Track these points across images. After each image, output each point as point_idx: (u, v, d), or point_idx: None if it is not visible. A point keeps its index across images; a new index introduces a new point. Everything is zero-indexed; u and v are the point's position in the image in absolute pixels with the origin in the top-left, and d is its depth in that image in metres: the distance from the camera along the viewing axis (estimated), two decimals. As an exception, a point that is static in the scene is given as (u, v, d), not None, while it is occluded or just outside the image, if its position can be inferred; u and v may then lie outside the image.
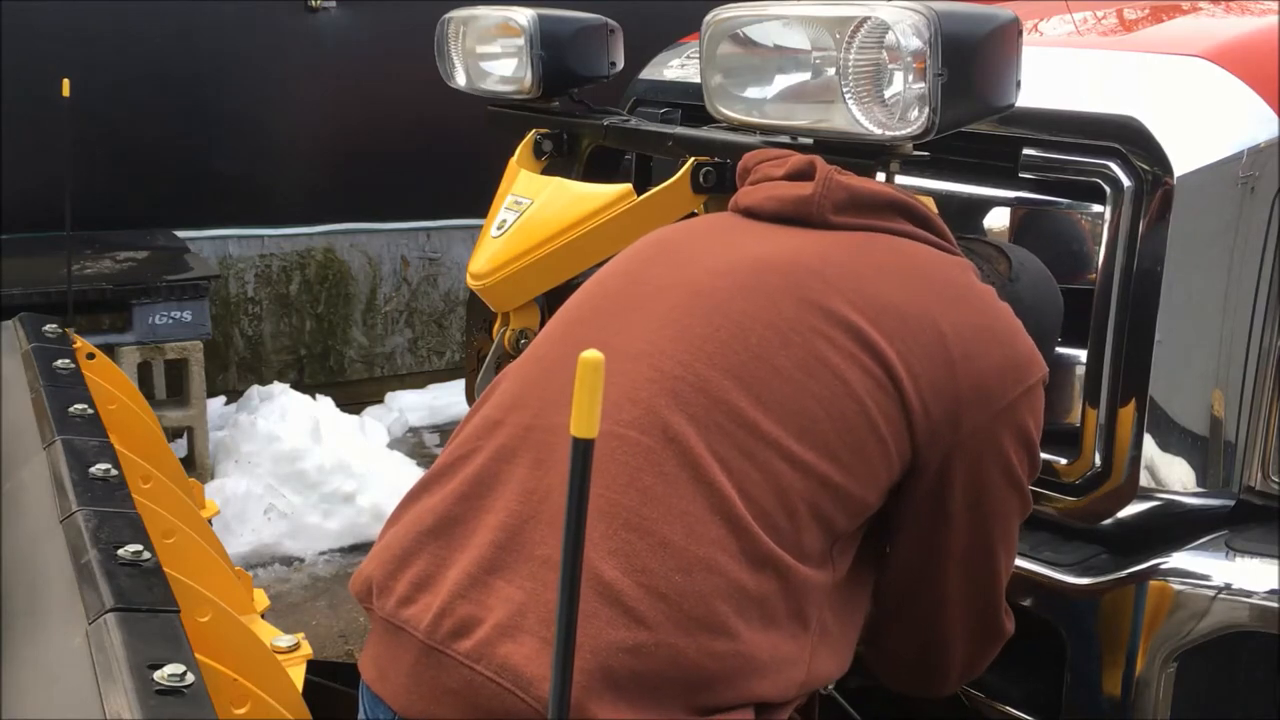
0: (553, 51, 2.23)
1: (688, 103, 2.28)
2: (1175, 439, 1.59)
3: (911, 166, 1.69)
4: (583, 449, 0.61)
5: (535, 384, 1.30)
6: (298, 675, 1.49)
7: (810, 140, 1.67)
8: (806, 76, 1.61)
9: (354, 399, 4.78)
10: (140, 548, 1.23)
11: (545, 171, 2.22)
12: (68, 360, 1.88)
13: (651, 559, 1.12)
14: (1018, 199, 1.78)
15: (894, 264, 1.35)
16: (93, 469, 1.46)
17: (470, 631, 1.14)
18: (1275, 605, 1.48)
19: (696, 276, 1.34)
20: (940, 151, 1.62)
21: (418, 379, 5.14)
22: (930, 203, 1.48)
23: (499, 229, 2.05)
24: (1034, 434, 1.35)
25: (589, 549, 1.09)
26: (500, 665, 1.11)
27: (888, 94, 1.49)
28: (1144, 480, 1.60)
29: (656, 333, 1.28)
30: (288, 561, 3.68)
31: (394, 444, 4.43)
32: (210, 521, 1.90)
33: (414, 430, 4.78)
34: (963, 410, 1.27)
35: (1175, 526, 1.60)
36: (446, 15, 2.45)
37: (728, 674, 1.12)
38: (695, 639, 1.11)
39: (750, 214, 1.47)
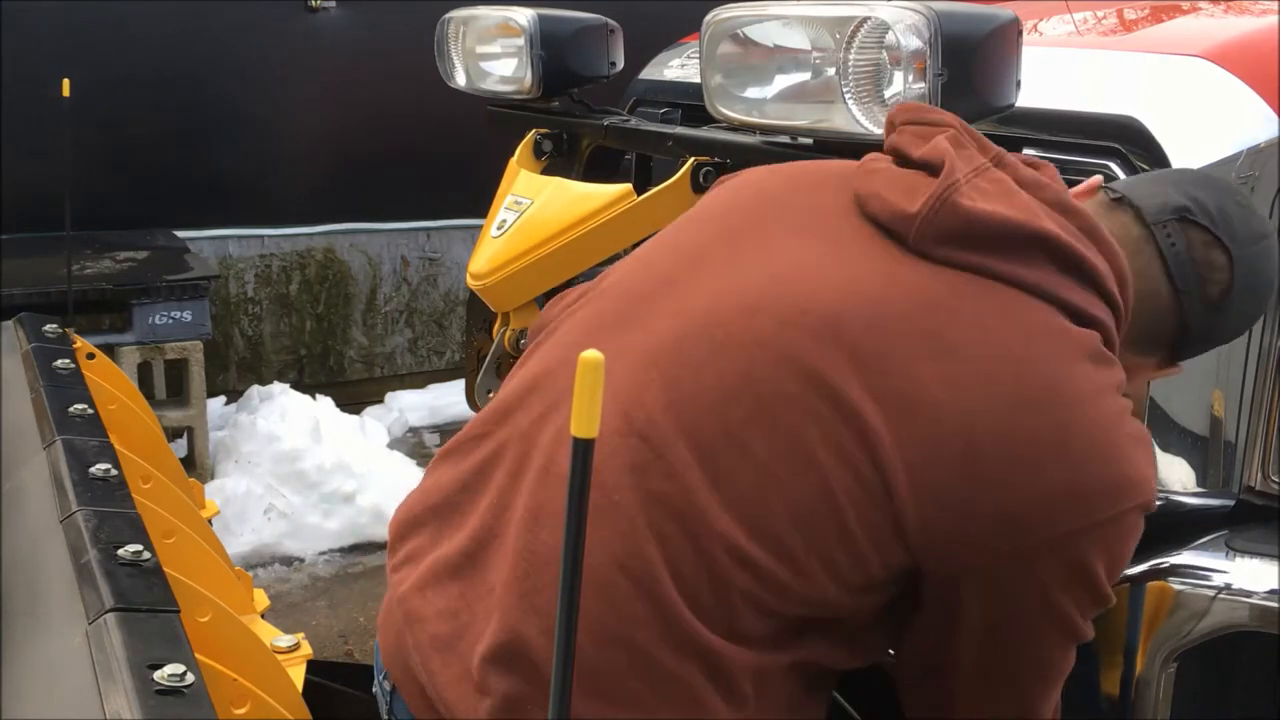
0: (553, 51, 2.23)
1: (688, 103, 2.28)
2: (1175, 439, 1.59)
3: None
4: (583, 449, 0.61)
5: (543, 381, 1.22)
6: (298, 675, 1.49)
7: (810, 140, 1.67)
8: (806, 76, 1.61)
9: (354, 399, 4.78)
10: (140, 548, 1.23)
11: (545, 171, 2.22)
12: (68, 360, 1.88)
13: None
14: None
15: (966, 341, 1.09)
16: (93, 469, 1.46)
17: (417, 624, 1.16)
18: (1275, 605, 1.48)
19: (721, 302, 1.15)
20: (940, 151, 1.62)
21: (418, 379, 5.14)
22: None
23: (499, 229, 2.05)
24: (1098, 571, 1.10)
25: (511, 604, 1.08)
26: (430, 677, 1.13)
27: (888, 94, 1.49)
28: (1144, 480, 1.60)
29: (644, 369, 1.13)
30: (288, 561, 3.68)
31: (394, 444, 4.43)
32: (210, 521, 1.90)
33: (414, 430, 4.78)
34: (982, 536, 1.07)
35: (1175, 526, 1.60)
36: (446, 15, 2.46)
37: None
38: (602, 710, 1.07)
39: (859, 195, 1.21)
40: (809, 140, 1.66)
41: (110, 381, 1.93)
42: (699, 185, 1.84)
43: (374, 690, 1.27)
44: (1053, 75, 1.72)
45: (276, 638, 1.59)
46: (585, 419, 0.60)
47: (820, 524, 1.07)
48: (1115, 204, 1.27)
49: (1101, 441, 1.09)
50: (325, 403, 4.22)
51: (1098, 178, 1.34)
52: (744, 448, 1.07)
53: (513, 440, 1.20)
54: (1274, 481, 1.59)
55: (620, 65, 2.34)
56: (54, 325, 2.04)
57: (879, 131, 1.50)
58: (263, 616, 1.74)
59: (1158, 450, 1.59)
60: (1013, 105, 1.51)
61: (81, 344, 2.00)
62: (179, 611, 1.13)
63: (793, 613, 1.10)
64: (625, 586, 1.06)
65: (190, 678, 0.98)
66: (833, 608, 1.11)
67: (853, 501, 1.06)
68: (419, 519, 1.24)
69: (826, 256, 1.16)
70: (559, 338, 1.27)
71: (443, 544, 1.20)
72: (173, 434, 3.89)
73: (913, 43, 1.43)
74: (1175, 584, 1.54)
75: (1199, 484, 1.60)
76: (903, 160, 1.22)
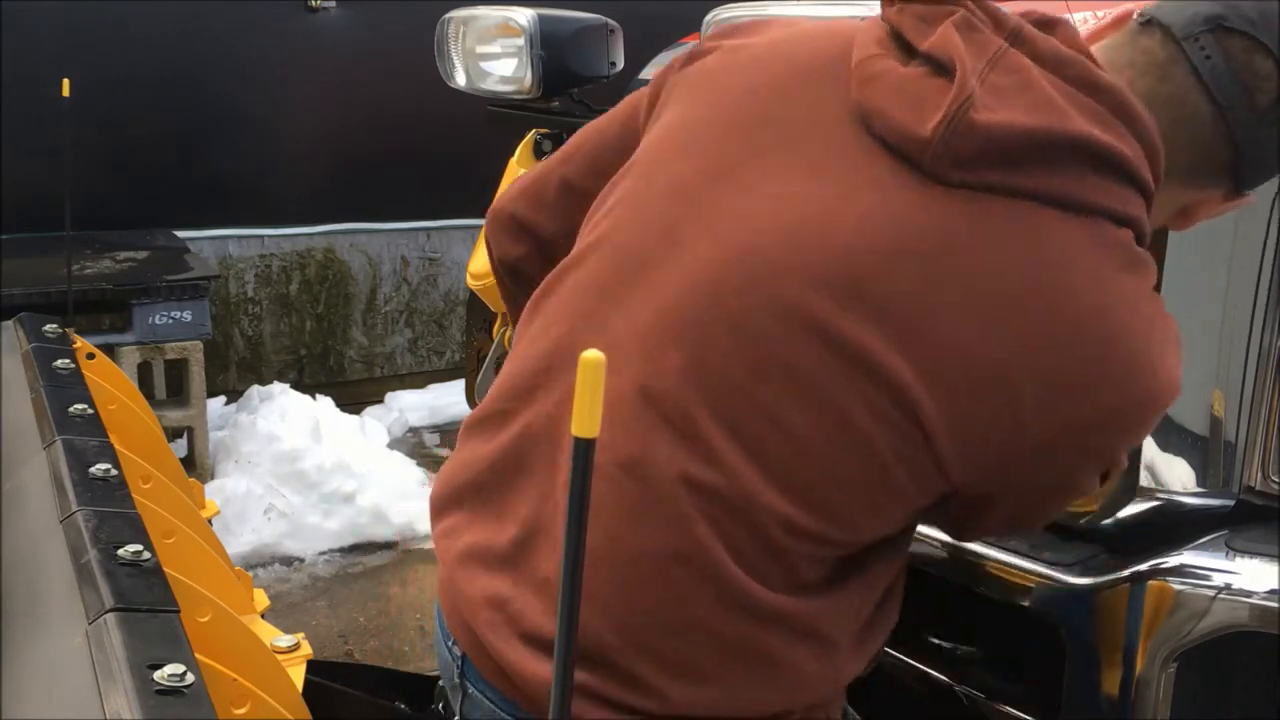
0: (553, 51, 2.23)
1: (688, 103, 2.27)
2: (1175, 439, 1.59)
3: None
4: (583, 449, 0.61)
5: (557, 360, 1.17)
6: (298, 675, 1.49)
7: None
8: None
9: (354, 399, 4.78)
10: (140, 548, 1.23)
11: (545, 171, 2.22)
12: (68, 360, 1.88)
13: (636, 620, 1.08)
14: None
15: (994, 281, 1.03)
16: (93, 469, 1.46)
17: (472, 604, 1.17)
18: (1275, 605, 1.48)
19: (732, 267, 1.08)
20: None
21: (418, 379, 5.14)
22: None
23: (499, 229, 2.05)
24: (1122, 455, 1.14)
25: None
26: (494, 649, 1.14)
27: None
28: (1144, 480, 1.60)
29: (661, 348, 1.09)
30: (288, 561, 3.68)
31: (394, 444, 4.43)
32: (210, 521, 1.90)
33: (414, 430, 4.78)
34: (1022, 467, 1.09)
35: (1175, 526, 1.60)
36: (446, 15, 2.46)
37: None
38: (695, 694, 1.09)
39: (862, 109, 1.09)
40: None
41: (110, 381, 1.93)
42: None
43: (443, 653, 1.27)
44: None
45: (276, 638, 1.59)
46: (585, 419, 0.60)
47: (867, 483, 1.07)
48: (1143, 28, 1.15)
49: (1140, 358, 1.07)
50: (325, 403, 4.22)
51: (1130, 7, 1.22)
52: (780, 424, 1.05)
53: (538, 424, 1.16)
54: (1274, 481, 1.59)
55: (620, 65, 2.34)
56: (54, 325, 2.03)
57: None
58: (263, 616, 1.74)
59: (1157, 450, 1.59)
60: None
61: (81, 344, 2.00)
62: (179, 611, 1.13)
63: (850, 552, 1.12)
64: (685, 576, 1.06)
65: (190, 678, 0.98)
66: (885, 536, 1.14)
67: (898, 458, 1.05)
68: (456, 495, 1.24)
69: (837, 198, 1.07)
70: (562, 304, 1.20)
71: (479, 527, 1.19)
72: (173, 434, 3.89)
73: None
74: (1175, 584, 1.54)
75: (1199, 484, 1.60)
76: (905, 46, 1.11)
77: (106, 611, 1.08)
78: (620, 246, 1.17)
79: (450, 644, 1.24)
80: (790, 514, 1.06)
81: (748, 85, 1.18)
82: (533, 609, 1.12)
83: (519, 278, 1.44)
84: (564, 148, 1.40)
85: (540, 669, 1.10)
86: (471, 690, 1.21)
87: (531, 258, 1.41)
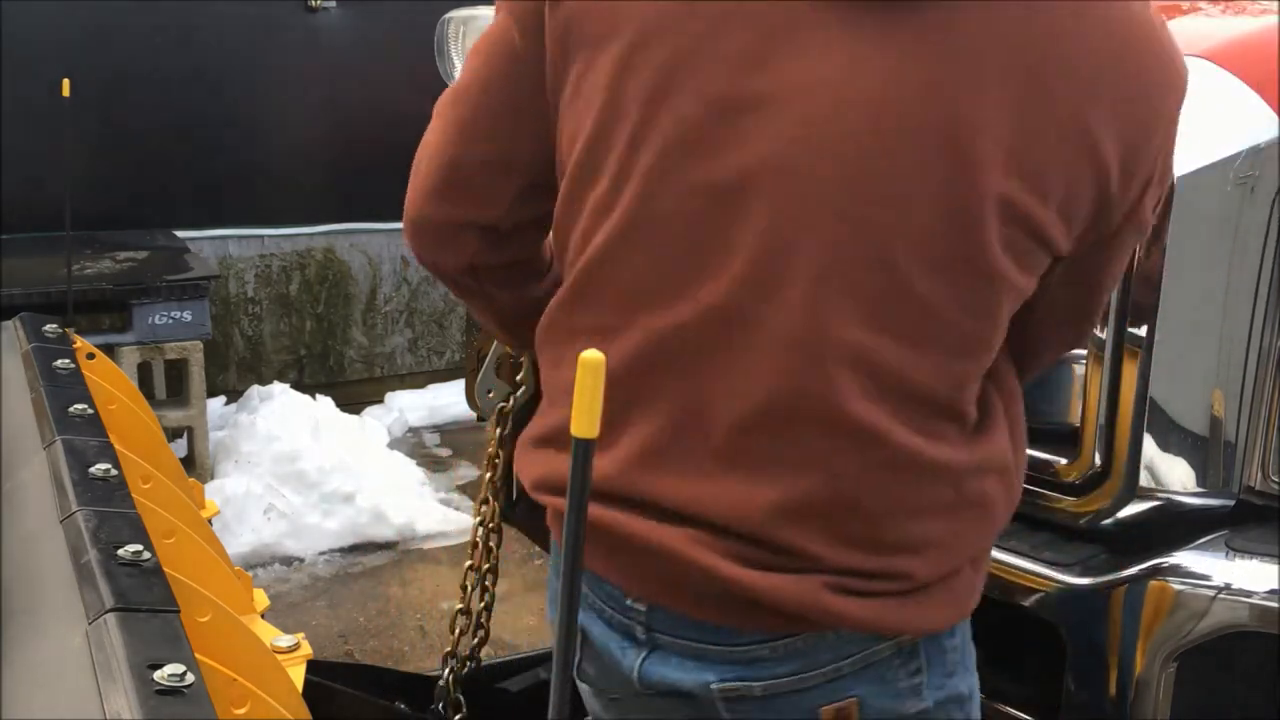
0: (553, 51, 2.22)
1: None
2: (1175, 439, 1.59)
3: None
4: (583, 449, 0.61)
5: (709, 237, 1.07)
6: (298, 675, 1.49)
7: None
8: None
9: (354, 399, 4.78)
10: (140, 548, 1.23)
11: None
12: (68, 360, 1.88)
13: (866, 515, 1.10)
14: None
15: (1050, 56, 1.02)
16: (93, 469, 1.46)
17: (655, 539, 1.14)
18: (1275, 605, 1.48)
19: (807, 145, 1.02)
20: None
21: (418, 379, 5.15)
22: None
23: (499, 229, 2.05)
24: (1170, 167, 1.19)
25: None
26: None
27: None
28: (1144, 480, 1.60)
29: (784, 250, 1.04)
30: (288, 561, 3.68)
31: (394, 444, 4.44)
32: (210, 521, 1.90)
33: (414, 430, 4.79)
34: (1110, 213, 1.11)
35: (1175, 526, 1.60)
36: (446, 15, 2.46)
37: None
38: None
39: None
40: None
41: (110, 381, 1.93)
42: None
43: (600, 629, 1.22)
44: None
45: (276, 638, 1.59)
46: (585, 419, 0.60)
47: (1004, 311, 1.10)
48: None
49: (1175, 67, 1.11)
50: (325, 403, 4.22)
51: None
52: (921, 303, 1.05)
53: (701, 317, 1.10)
54: (1274, 481, 1.59)
55: (620, 65, 2.33)
56: (54, 325, 2.03)
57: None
58: (263, 616, 1.74)
59: (1158, 450, 1.60)
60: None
61: (81, 344, 2.00)
62: (179, 611, 1.13)
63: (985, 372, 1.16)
64: (884, 458, 1.09)
65: (190, 678, 0.98)
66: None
67: (1026, 268, 1.08)
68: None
69: (878, 55, 1.02)
70: (653, 170, 1.07)
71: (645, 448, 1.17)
72: (173, 434, 3.89)
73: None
74: (1175, 584, 1.54)
75: (1199, 484, 1.60)
76: None
77: (106, 611, 1.08)
78: (700, 185, 1.07)
79: (630, 602, 1.18)
80: (941, 366, 1.09)
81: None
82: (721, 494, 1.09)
83: (480, 273, 1.32)
84: (447, 126, 1.26)
85: (763, 579, 1.09)
86: (664, 640, 1.17)
87: (484, 249, 1.28)
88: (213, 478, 3.86)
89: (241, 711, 1.24)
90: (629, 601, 1.18)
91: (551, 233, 1.23)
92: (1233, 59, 1.63)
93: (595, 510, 1.12)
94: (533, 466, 1.25)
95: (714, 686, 1.15)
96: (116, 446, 1.58)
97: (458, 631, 2.00)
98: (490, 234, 1.27)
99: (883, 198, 1.03)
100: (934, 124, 1.02)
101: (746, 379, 1.08)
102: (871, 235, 1.04)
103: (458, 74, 2.45)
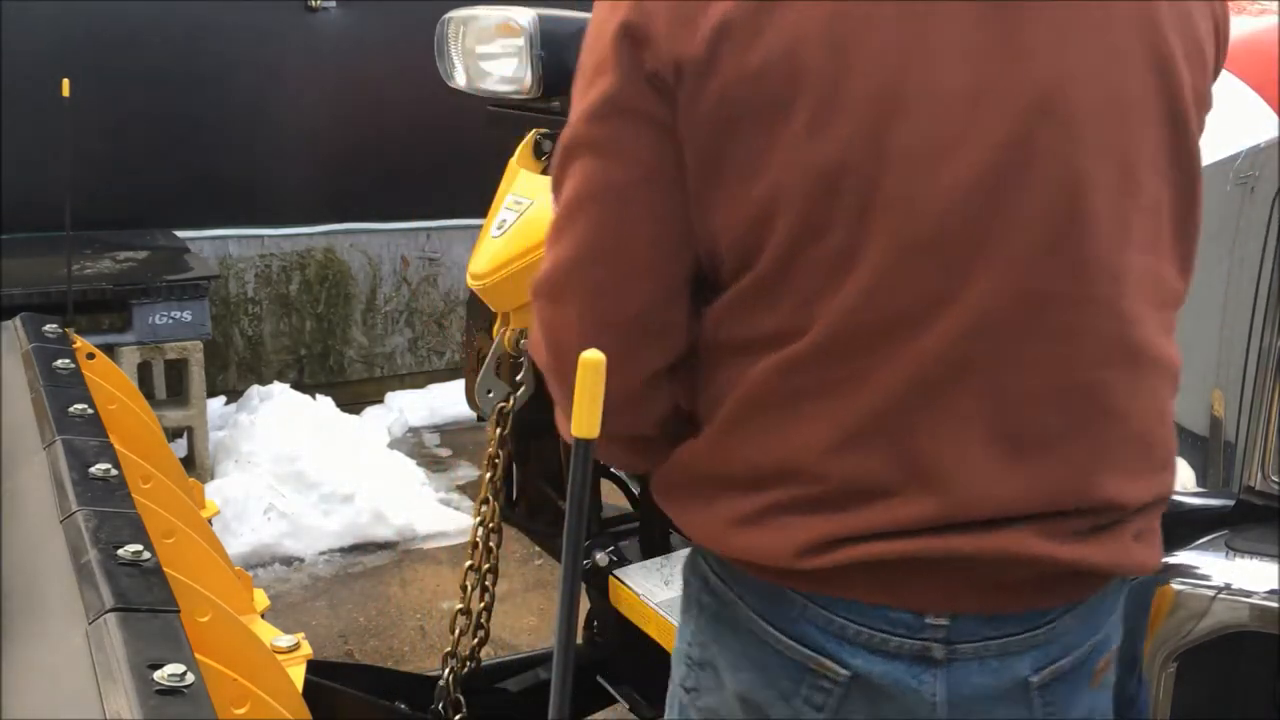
0: (553, 51, 2.22)
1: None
2: (1175, 439, 1.59)
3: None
4: (584, 449, 0.61)
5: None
6: (298, 675, 1.49)
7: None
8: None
9: (354, 399, 4.79)
10: (140, 548, 1.23)
11: (545, 171, 2.22)
12: (68, 360, 1.88)
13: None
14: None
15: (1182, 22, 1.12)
16: (93, 469, 1.46)
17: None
18: (1275, 605, 1.48)
19: (1071, 84, 1.03)
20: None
21: (418, 379, 5.15)
22: None
23: (499, 229, 2.05)
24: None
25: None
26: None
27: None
28: (1144, 480, 1.60)
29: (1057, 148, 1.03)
30: (288, 561, 3.68)
31: (394, 444, 4.44)
32: (210, 521, 1.90)
33: (414, 430, 4.79)
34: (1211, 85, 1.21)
35: (1175, 526, 1.60)
36: (446, 15, 2.45)
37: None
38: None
39: None
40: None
41: (110, 381, 1.93)
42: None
43: (900, 646, 1.12)
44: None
45: (276, 638, 1.59)
46: (585, 419, 0.60)
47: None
48: None
49: None
50: (325, 403, 4.22)
51: None
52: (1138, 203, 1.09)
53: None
54: (1274, 481, 1.59)
55: (620, 65, 2.33)
56: (54, 325, 2.03)
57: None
58: (263, 616, 1.74)
59: (1158, 450, 1.60)
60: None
61: (81, 344, 2.00)
62: (179, 611, 1.13)
63: None
64: (1153, 374, 1.18)
65: (190, 678, 0.98)
66: None
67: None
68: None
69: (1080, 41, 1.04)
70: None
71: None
72: (173, 434, 3.90)
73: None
74: (1175, 584, 1.54)
75: (1199, 484, 1.60)
76: None
77: (106, 611, 1.08)
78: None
79: (930, 619, 1.10)
80: (1176, 275, 1.16)
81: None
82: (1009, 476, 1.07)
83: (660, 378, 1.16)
84: (605, 239, 1.15)
85: (1092, 548, 1.10)
86: (965, 649, 1.11)
87: (669, 373, 1.16)
88: (213, 478, 3.86)
89: (241, 711, 1.24)
90: (928, 619, 1.11)
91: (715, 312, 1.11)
92: (1232, 59, 1.63)
93: (902, 545, 1.07)
94: (797, 533, 1.08)
95: (1032, 680, 1.13)
96: (116, 446, 1.58)
97: (458, 631, 2.01)
98: (674, 366, 1.15)
99: (1128, 122, 1.07)
100: (1138, 25, 1.07)
101: (1053, 351, 1.06)
102: (1124, 156, 1.07)
103: (458, 74, 2.45)
